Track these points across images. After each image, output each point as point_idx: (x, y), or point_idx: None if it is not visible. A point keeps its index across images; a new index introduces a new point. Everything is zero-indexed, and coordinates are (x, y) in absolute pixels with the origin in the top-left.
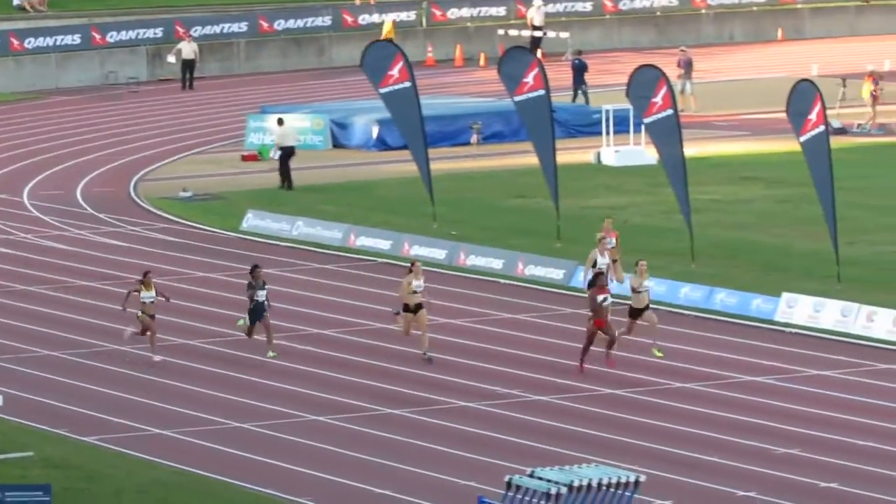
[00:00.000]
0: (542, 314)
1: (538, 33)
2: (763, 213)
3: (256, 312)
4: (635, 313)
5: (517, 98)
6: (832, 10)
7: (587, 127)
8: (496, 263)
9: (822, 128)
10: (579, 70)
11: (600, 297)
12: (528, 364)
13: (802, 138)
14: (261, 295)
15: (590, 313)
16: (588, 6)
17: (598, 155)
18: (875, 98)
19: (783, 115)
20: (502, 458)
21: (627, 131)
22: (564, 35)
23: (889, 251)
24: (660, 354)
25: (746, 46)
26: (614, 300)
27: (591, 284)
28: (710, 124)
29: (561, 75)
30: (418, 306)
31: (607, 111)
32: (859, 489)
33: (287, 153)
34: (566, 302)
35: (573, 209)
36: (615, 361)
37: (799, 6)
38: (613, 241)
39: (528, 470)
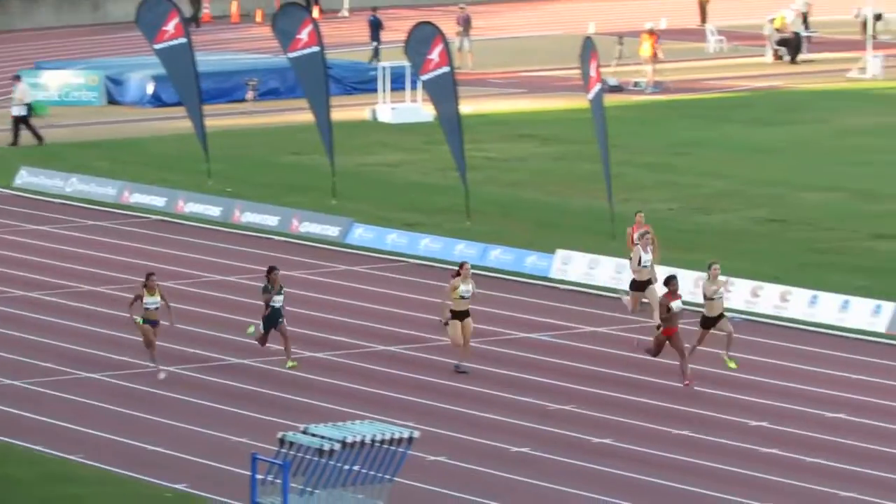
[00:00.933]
0: (317, 271)
1: None
2: (538, 170)
3: (272, 319)
4: (708, 322)
5: (291, 54)
6: None
7: (364, 84)
8: (271, 220)
9: (599, 85)
10: (375, 27)
11: (673, 304)
12: (303, 321)
13: (588, 95)
14: (277, 300)
15: (657, 322)
16: None
17: (374, 112)
18: (654, 56)
19: (559, 73)
20: (276, 416)
21: (404, 88)
22: None
23: (663, 209)
24: (733, 365)
25: (526, 4)
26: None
27: (634, 287)
28: (487, 81)
29: (338, 31)
30: (465, 313)
31: (384, 68)
32: (632, 445)
33: (29, 109)
34: (341, 259)
35: (349, 166)
36: (692, 378)
37: None
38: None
39: (302, 427)
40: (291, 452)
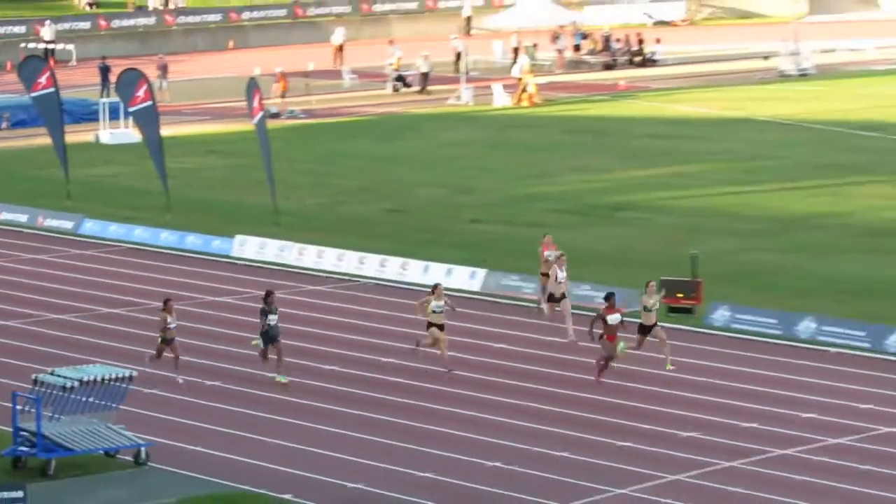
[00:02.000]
0: (57, 254)
1: (51, 46)
2: (221, 177)
3: (269, 336)
4: (644, 330)
5: (33, 94)
6: (269, 25)
7: (89, 115)
8: (23, 217)
9: (262, 112)
10: (104, 72)
11: (609, 318)
12: (46, 292)
13: (253, 120)
14: (272, 319)
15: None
16: (87, 24)
17: (97, 136)
18: (285, 90)
19: (233, 104)
20: (32, 363)
21: (118, 118)
22: (70, 47)
23: (313, 203)
24: (670, 367)
25: (207, 53)
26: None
27: (551, 299)
28: (181, 112)
29: (69, 76)
30: (440, 326)
31: (104, 103)
32: (351, 388)
33: None
34: (75, 245)
35: (80, 176)
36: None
37: (244, 23)
38: (554, 253)
39: (51, 369)
40: (43, 390)
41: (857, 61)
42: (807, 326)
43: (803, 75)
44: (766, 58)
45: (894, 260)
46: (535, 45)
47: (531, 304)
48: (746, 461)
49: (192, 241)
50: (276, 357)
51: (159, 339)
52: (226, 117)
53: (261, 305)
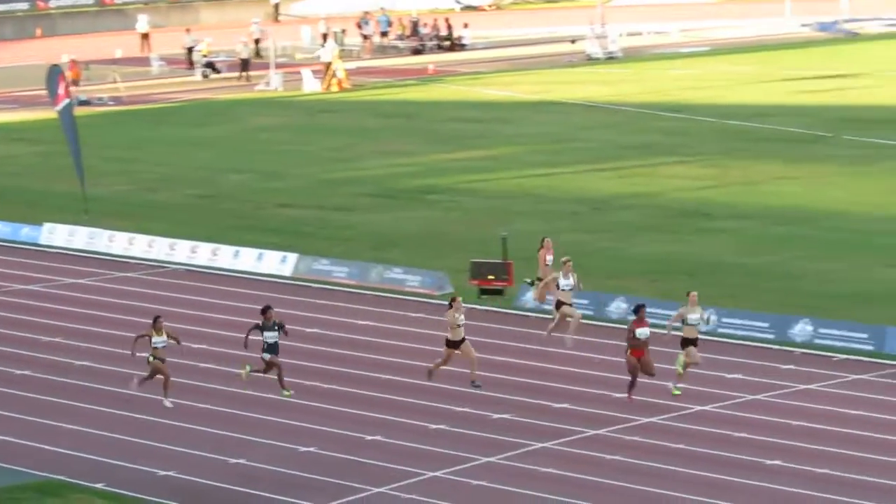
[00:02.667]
0: None
1: None
2: (29, 165)
3: (271, 352)
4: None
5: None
6: (77, 13)
7: None
8: None
9: (69, 100)
10: None
11: (638, 331)
12: None
13: (57, 108)
14: (270, 337)
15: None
16: None
17: None
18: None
19: (41, 92)
20: None
21: None
22: None
23: (123, 190)
24: (676, 392)
25: (15, 42)
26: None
27: (556, 306)
28: None
29: None
30: (462, 341)
31: None
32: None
33: None
34: None
35: None
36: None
37: (52, 11)
38: (551, 258)
39: None
40: None
41: (662, 44)
42: (618, 307)
43: (610, 58)
44: (573, 41)
45: (702, 239)
46: (343, 31)
47: (340, 288)
48: (559, 441)
49: (0, 229)
50: (265, 368)
51: (150, 359)
52: (33, 105)
53: (257, 321)
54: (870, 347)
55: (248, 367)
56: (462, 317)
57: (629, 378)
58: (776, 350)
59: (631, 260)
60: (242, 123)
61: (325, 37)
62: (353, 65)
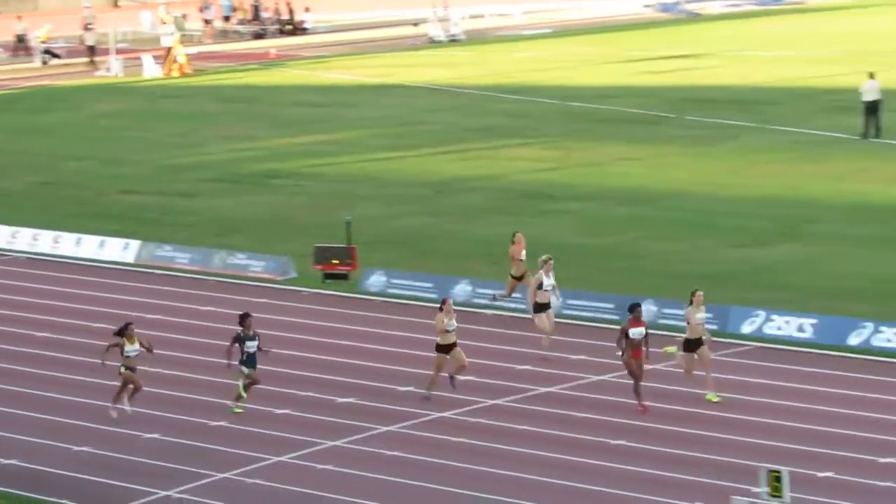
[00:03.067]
0: None
1: None
2: None
3: (251, 363)
4: (690, 347)
5: None
6: None
7: None
8: None
9: None
10: None
11: (632, 331)
12: None
13: None
14: (250, 346)
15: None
16: None
17: None
18: None
19: None
20: None
21: None
22: None
23: None
24: (715, 399)
25: None
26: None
27: (537, 309)
28: None
29: None
30: (453, 345)
31: None
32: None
33: None
34: None
35: None
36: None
37: None
38: (524, 253)
39: None
40: None
41: (504, 26)
42: (463, 289)
43: (453, 41)
44: (415, 24)
45: (546, 220)
46: (183, 16)
47: (184, 275)
48: (404, 424)
49: None
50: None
51: (122, 369)
52: None
53: (237, 331)
54: (714, 327)
55: (239, 388)
56: (453, 322)
57: (632, 383)
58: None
59: (474, 242)
60: (83, 110)
61: (165, 22)
62: (194, 49)
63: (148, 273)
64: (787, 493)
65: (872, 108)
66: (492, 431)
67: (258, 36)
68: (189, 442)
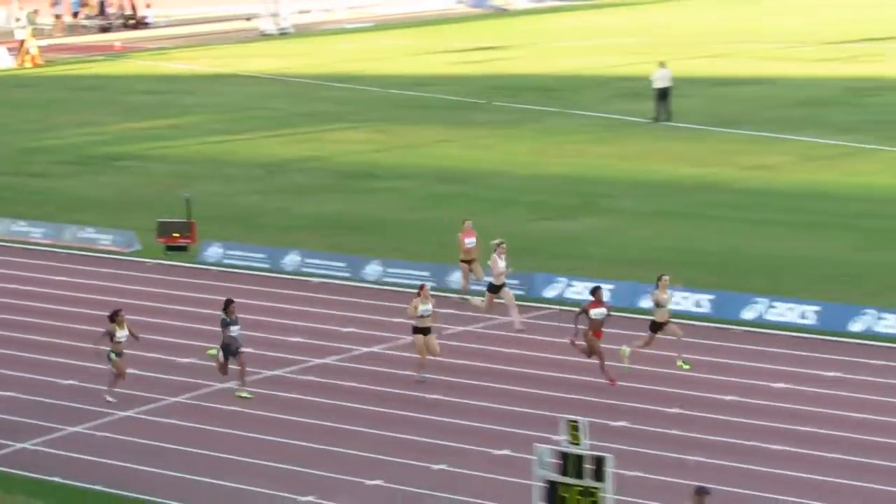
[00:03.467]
0: None
1: None
2: None
3: (230, 348)
4: (656, 327)
5: None
6: None
7: None
8: None
9: None
10: None
11: (593, 311)
12: None
13: None
14: (233, 330)
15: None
16: None
17: None
18: None
19: None
20: None
21: None
22: None
23: None
24: (686, 367)
25: None
26: None
27: (491, 289)
28: None
29: None
30: (427, 329)
31: None
32: None
33: None
34: None
35: None
36: (613, 378)
37: None
38: (474, 241)
39: None
40: None
41: (329, 21)
42: (292, 259)
43: (283, 34)
44: (248, 19)
45: (365, 198)
46: (35, 11)
47: (37, 248)
48: (236, 383)
49: None
50: (238, 368)
51: (112, 355)
52: None
53: (221, 316)
54: (521, 292)
55: (212, 350)
56: (429, 307)
57: (597, 362)
58: (436, 296)
59: (304, 217)
60: None
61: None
62: (45, 42)
63: (4, 246)
64: (586, 441)
65: (663, 94)
66: (323, 388)
67: (104, 30)
68: (42, 399)
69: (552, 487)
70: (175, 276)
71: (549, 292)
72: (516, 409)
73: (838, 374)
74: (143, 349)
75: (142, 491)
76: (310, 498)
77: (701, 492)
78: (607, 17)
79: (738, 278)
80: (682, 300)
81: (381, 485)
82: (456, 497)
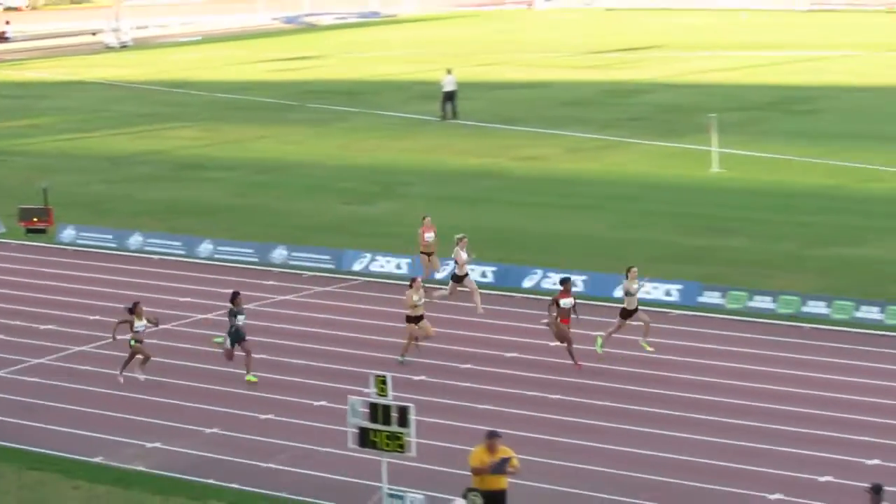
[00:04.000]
0: None
1: None
2: None
3: (237, 335)
4: (626, 314)
5: None
6: None
7: None
8: None
9: None
10: None
11: (562, 301)
12: None
13: None
14: (240, 319)
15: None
16: None
17: None
18: None
19: None
20: None
21: None
22: None
23: None
24: (650, 349)
25: None
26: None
27: (455, 279)
28: None
29: None
30: (420, 317)
31: None
32: None
33: None
34: None
35: None
36: (580, 362)
37: None
38: (433, 235)
39: None
40: None
41: (165, 35)
42: (136, 240)
43: (124, 46)
44: (94, 34)
45: (198, 186)
46: None
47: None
48: (94, 345)
49: None
50: (244, 355)
51: (131, 343)
52: None
53: (229, 307)
54: (331, 266)
55: (218, 338)
56: (420, 297)
57: (564, 346)
58: (260, 270)
59: (146, 203)
60: None
61: None
62: None
63: None
64: (391, 393)
65: (450, 97)
66: (172, 350)
67: None
68: None
69: (364, 433)
70: (35, 254)
71: (357, 266)
72: (332, 366)
73: (600, 333)
74: (7, 318)
75: (20, 442)
76: (157, 444)
77: (492, 435)
78: (402, 31)
79: (517, 252)
80: (471, 271)
81: (217, 432)
82: (283, 442)
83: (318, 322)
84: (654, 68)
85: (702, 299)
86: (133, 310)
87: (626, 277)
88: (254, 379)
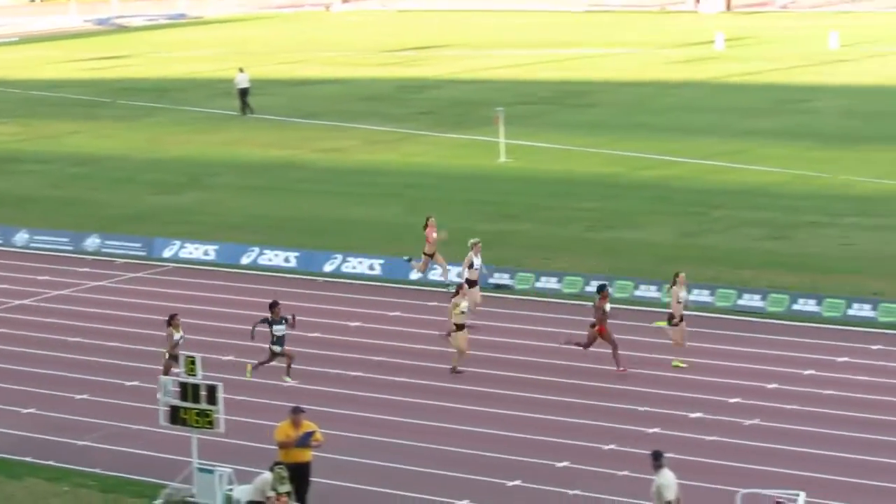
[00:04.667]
0: None
1: None
2: None
3: (280, 343)
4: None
5: None
6: None
7: None
8: None
9: None
10: None
11: (606, 306)
12: None
13: None
14: (279, 330)
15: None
16: None
17: None
18: None
19: None
20: None
21: None
22: None
23: None
24: (682, 364)
25: None
26: None
27: (469, 284)
28: None
29: None
30: (463, 325)
31: None
32: None
33: None
34: None
35: None
36: (626, 366)
37: None
38: (436, 235)
39: None
40: None
41: None
42: (21, 237)
43: None
44: None
45: (13, 178)
46: None
47: None
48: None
49: None
50: (286, 362)
51: (166, 356)
52: None
53: (265, 315)
54: (143, 253)
55: (249, 367)
56: (468, 305)
57: (582, 348)
58: (75, 258)
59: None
60: None
61: None
62: None
63: None
64: (200, 372)
65: (244, 93)
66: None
67: None
68: None
69: (174, 410)
70: None
71: (167, 252)
72: (146, 348)
73: (398, 314)
74: None
75: None
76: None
77: (297, 411)
78: (208, 31)
79: (318, 238)
80: (274, 257)
81: (34, 412)
82: (97, 420)
83: (130, 306)
84: (444, 65)
85: (492, 280)
86: (171, 321)
87: (674, 283)
88: (291, 381)
